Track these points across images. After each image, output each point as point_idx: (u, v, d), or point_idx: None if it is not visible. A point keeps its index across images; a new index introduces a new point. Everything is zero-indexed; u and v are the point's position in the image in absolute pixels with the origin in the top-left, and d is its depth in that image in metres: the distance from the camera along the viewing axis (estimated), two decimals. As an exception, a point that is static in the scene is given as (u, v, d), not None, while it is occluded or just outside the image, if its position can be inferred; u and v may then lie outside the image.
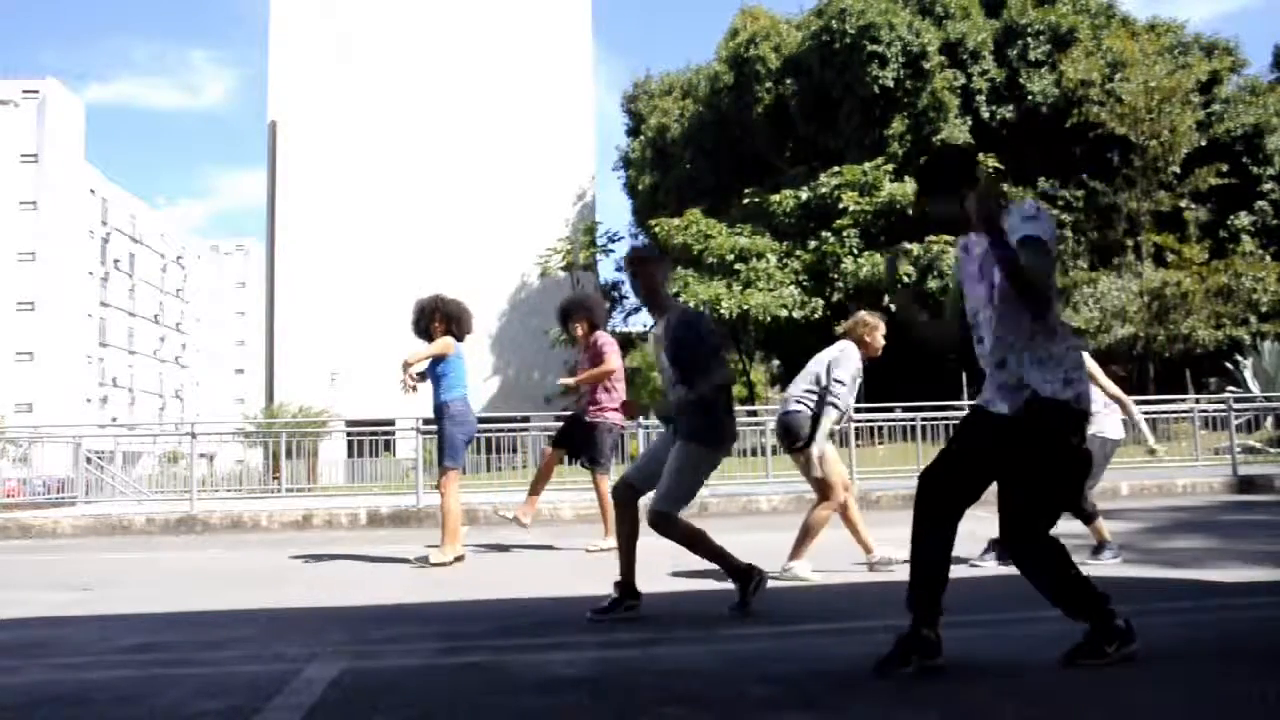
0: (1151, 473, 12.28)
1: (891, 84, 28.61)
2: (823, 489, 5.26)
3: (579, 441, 7.24)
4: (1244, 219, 29.46)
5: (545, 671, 3.29)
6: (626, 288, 39.71)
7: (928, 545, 3.15)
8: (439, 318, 6.74)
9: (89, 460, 13.31)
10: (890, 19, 28.82)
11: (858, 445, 12.30)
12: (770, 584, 4.95)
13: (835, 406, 5.18)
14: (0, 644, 4.13)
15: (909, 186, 27.36)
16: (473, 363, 6.99)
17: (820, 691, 2.91)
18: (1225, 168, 27.45)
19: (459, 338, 6.76)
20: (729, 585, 4.84)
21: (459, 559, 6.49)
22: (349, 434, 20.06)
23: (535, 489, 7.35)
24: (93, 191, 78.09)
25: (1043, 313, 3.00)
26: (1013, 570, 4.19)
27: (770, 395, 42.22)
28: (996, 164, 27.20)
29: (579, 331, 7.25)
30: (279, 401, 37.61)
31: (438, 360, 6.68)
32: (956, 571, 5.25)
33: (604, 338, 7.23)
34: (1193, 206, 28.87)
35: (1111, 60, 28.24)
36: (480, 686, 3.13)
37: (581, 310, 7.29)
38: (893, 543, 5.32)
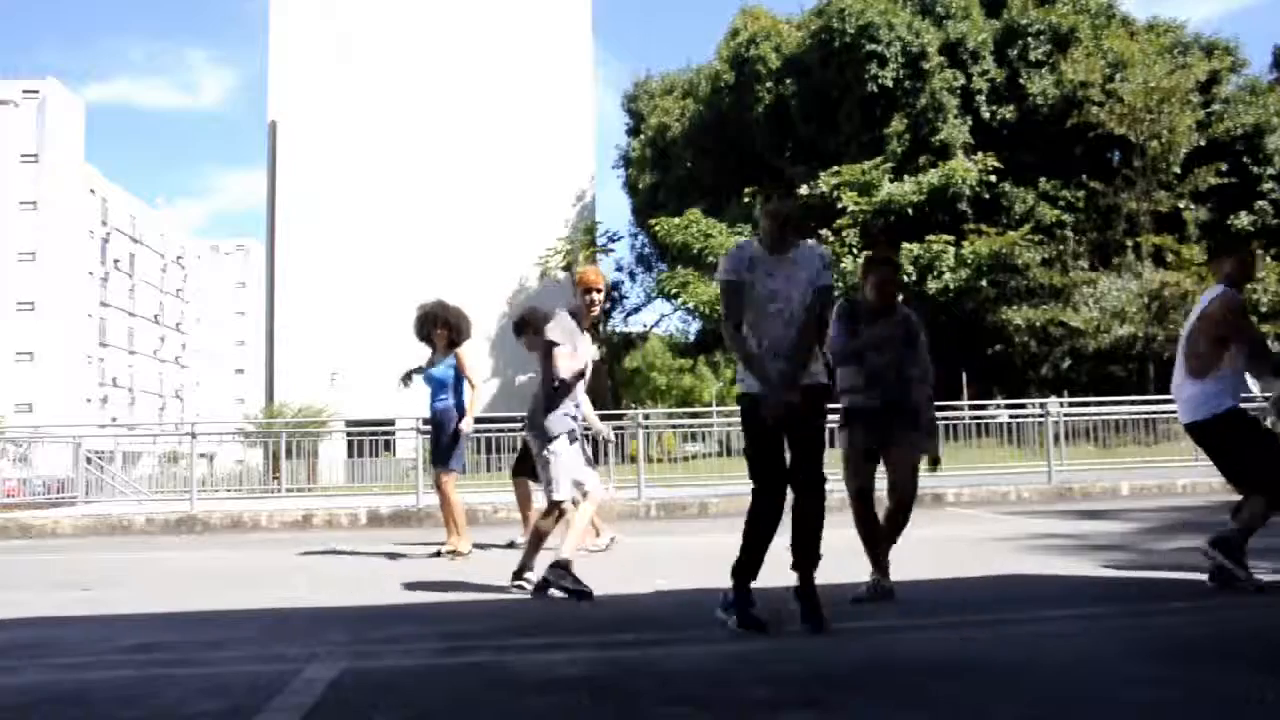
0: (1151, 473, 12.28)
1: (891, 84, 28.63)
2: None
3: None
4: (1244, 219, 29.46)
5: (545, 671, 3.29)
6: (626, 288, 39.80)
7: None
8: (441, 324, 6.99)
9: (89, 460, 13.31)
10: (890, 19, 28.84)
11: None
12: (765, 585, 4.95)
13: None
14: (0, 644, 4.13)
15: (908, 186, 27.39)
16: (472, 364, 7.19)
17: (820, 691, 2.91)
18: (1225, 168, 27.46)
19: (459, 343, 7.04)
20: (726, 583, 4.86)
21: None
22: (349, 434, 20.02)
23: (524, 514, 7.45)
24: (93, 191, 78.07)
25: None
26: (1010, 571, 4.20)
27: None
28: (996, 163, 27.24)
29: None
30: (279, 401, 37.58)
31: (443, 365, 6.97)
32: (957, 572, 5.26)
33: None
34: (1192, 206, 28.87)
35: (1111, 60, 28.25)
36: (480, 686, 3.13)
37: (537, 320, 7.41)
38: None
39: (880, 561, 4.57)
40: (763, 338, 3.87)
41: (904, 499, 4.59)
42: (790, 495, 3.86)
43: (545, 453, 5.09)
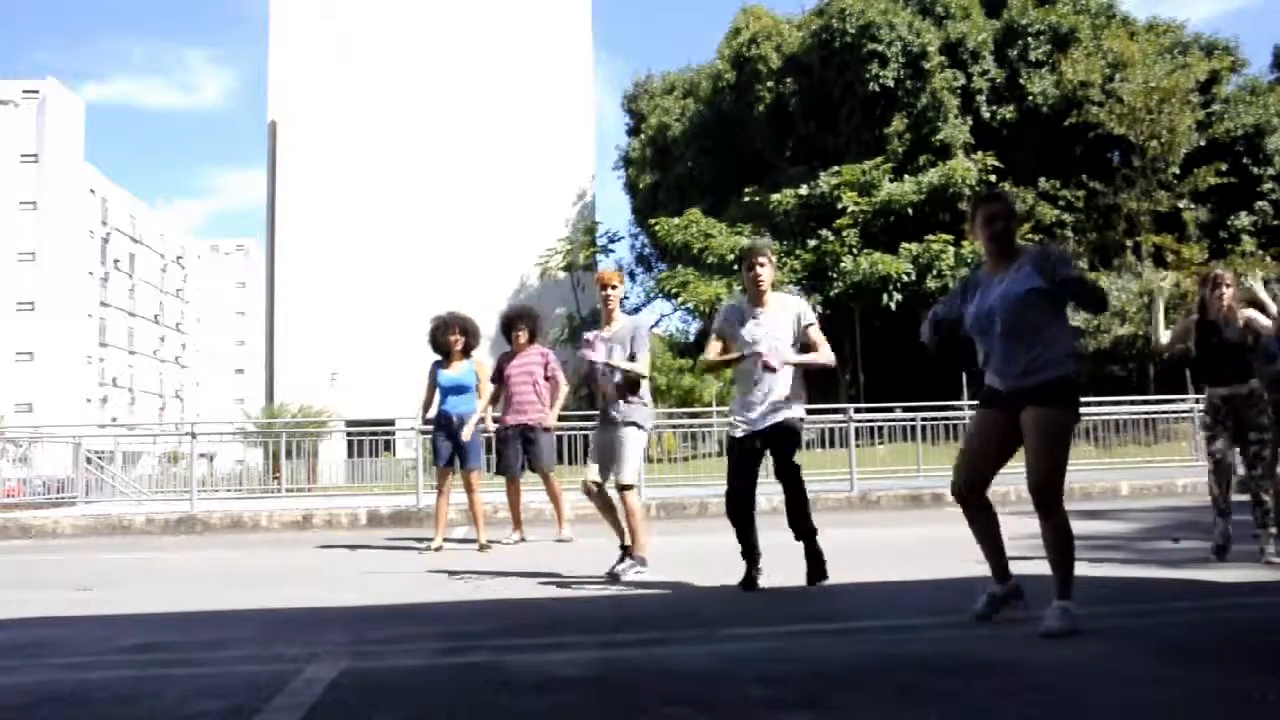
0: (1151, 473, 12.29)
1: (891, 84, 28.63)
2: None
3: (526, 452, 7.69)
4: (1244, 219, 29.44)
5: (545, 671, 3.29)
6: (627, 288, 39.81)
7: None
8: (458, 331, 7.39)
9: (89, 460, 13.31)
10: (890, 19, 28.85)
11: (858, 445, 12.30)
12: (765, 584, 4.96)
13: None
14: (0, 644, 4.13)
15: (908, 186, 27.42)
16: (487, 374, 7.63)
17: (820, 691, 2.91)
18: (1225, 167, 27.45)
19: (473, 349, 7.52)
20: (728, 584, 4.88)
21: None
22: (349, 434, 20.03)
23: (515, 514, 7.91)
24: (93, 191, 78.03)
25: None
26: (1012, 570, 4.20)
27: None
28: (996, 163, 27.25)
29: (521, 340, 7.68)
30: (279, 401, 37.57)
31: (466, 370, 7.46)
32: (956, 572, 5.27)
33: (550, 352, 7.92)
34: (1192, 206, 28.86)
35: (1111, 60, 28.26)
36: (480, 686, 3.13)
37: (526, 319, 7.74)
38: (890, 545, 5.30)
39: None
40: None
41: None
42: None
43: (633, 436, 5.48)
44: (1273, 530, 5.48)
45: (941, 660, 3.33)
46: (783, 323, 4.84)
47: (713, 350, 5.01)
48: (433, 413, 7.54)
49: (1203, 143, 28.25)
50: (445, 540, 7.43)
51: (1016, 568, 4.00)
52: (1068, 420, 3.67)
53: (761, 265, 4.82)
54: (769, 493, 11.21)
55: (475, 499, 7.39)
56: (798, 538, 4.93)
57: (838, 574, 5.27)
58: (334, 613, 4.77)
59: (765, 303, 4.87)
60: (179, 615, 4.84)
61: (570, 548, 7.29)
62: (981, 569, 4.83)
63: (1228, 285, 5.57)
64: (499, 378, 7.75)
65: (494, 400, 7.79)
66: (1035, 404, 3.64)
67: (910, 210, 27.15)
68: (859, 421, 13.29)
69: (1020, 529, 4.11)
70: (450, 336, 7.39)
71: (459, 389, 7.40)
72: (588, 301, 35.84)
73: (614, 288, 5.76)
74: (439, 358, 7.48)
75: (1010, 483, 10.88)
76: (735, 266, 26.81)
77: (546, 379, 7.68)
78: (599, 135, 77.50)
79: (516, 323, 7.67)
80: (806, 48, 30.37)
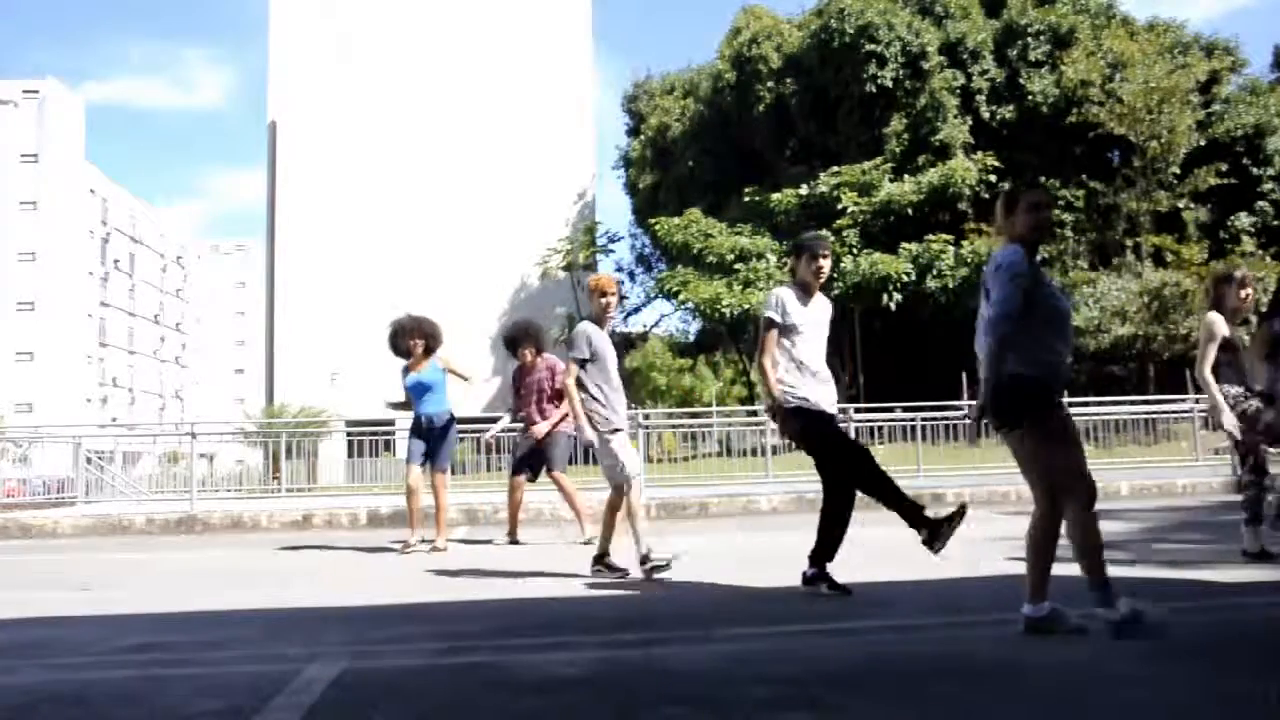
0: (1151, 473, 12.29)
1: (891, 84, 28.62)
2: None
3: (535, 456, 7.70)
4: (1244, 219, 29.43)
5: (545, 671, 3.29)
6: (626, 288, 39.80)
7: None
8: (418, 334, 7.41)
9: (89, 460, 13.30)
10: (889, 19, 28.83)
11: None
12: (765, 584, 4.96)
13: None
14: (0, 644, 4.13)
15: (907, 186, 27.41)
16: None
17: (820, 691, 2.91)
18: (1225, 168, 27.44)
19: (435, 349, 7.52)
20: (727, 584, 4.88)
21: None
22: (349, 434, 20.01)
23: (513, 515, 7.80)
24: (93, 191, 78.04)
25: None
26: (1010, 571, 4.20)
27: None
28: (996, 163, 27.25)
29: (527, 357, 7.71)
30: (279, 401, 37.59)
31: (431, 371, 7.45)
32: (957, 572, 5.26)
33: (556, 362, 7.73)
34: (1192, 207, 28.86)
35: (1111, 60, 28.24)
36: (480, 686, 3.13)
37: (529, 337, 7.75)
38: (887, 548, 5.29)
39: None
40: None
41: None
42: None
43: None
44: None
45: (941, 660, 3.33)
46: (826, 317, 5.08)
47: (769, 354, 4.85)
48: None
49: (1203, 143, 28.22)
50: (448, 540, 7.40)
51: (1021, 568, 3.99)
52: None
53: (826, 257, 5.00)
54: (768, 492, 11.22)
55: (441, 500, 7.36)
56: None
57: (838, 574, 5.26)
58: (334, 613, 4.77)
59: (814, 294, 5.04)
60: (179, 615, 4.84)
61: (572, 549, 7.27)
62: (985, 569, 4.83)
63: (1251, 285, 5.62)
64: (515, 393, 7.90)
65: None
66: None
67: (910, 210, 27.14)
68: (859, 421, 13.30)
69: (1022, 529, 4.09)
70: (410, 341, 7.42)
71: (423, 389, 7.42)
72: (587, 302, 35.84)
73: (611, 294, 5.86)
74: (406, 362, 7.54)
75: (1011, 483, 10.92)
76: (735, 266, 26.82)
77: (554, 389, 7.59)
78: (599, 135, 77.39)
79: (520, 342, 7.71)
80: (806, 48, 30.35)
